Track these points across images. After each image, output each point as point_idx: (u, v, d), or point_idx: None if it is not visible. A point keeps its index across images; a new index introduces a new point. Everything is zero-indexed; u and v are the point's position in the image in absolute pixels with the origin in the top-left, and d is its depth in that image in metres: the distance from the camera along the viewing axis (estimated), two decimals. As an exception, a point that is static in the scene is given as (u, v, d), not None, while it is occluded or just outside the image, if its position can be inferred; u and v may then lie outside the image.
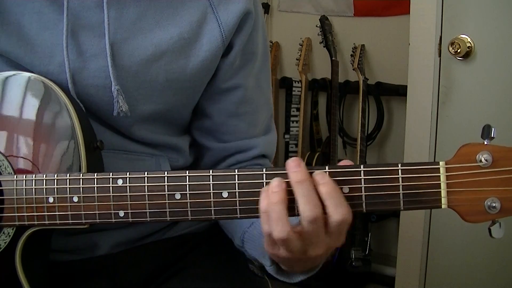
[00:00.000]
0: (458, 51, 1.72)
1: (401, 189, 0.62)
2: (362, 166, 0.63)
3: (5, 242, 0.72)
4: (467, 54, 1.73)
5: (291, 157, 2.81)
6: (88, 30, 0.78)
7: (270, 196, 0.62)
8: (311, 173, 0.63)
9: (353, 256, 2.30)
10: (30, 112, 0.73)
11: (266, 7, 2.69)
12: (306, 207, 0.61)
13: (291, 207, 0.63)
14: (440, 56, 1.80)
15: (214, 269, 0.89)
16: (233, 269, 0.90)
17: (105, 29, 0.77)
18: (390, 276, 2.21)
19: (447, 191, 0.62)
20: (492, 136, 0.62)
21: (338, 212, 0.61)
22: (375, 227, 2.47)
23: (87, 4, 0.78)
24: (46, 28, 0.77)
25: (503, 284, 1.78)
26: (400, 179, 0.62)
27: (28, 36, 0.77)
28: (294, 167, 0.62)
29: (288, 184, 0.63)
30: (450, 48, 1.74)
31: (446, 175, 0.62)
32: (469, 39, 1.72)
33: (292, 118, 2.58)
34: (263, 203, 0.63)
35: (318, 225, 0.62)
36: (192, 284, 0.85)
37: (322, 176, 0.62)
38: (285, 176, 0.63)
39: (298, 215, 0.63)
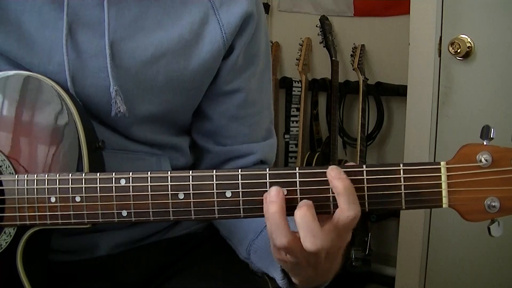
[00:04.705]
0: (458, 51, 1.73)
1: (403, 188, 0.63)
2: (364, 166, 0.63)
3: (6, 242, 0.71)
4: (467, 54, 1.73)
5: (291, 157, 2.78)
6: (88, 29, 0.78)
7: (268, 206, 0.62)
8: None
9: (353, 256, 2.30)
10: (31, 111, 0.72)
11: (266, 7, 2.69)
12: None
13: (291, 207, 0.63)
14: (440, 56, 1.80)
15: (214, 269, 0.88)
16: (233, 269, 0.89)
17: (105, 28, 0.77)
18: (390, 276, 2.21)
19: (448, 190, 0.63)
20: (491, 136, 0.63)
21: (351, 208, 0.61)
22: (375, 227, 2.47)
23: (88, 2, 0.78)
24: (46, 26, 0.76)
25: (503, 285, 1.78)
26: (402, 178, 0.63)
27: (28, 34, 0.76)
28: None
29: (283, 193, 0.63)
30: (450, 48, 1.74)
31: (447, 175, 0.63)
32: (469, 39, 1.73)
33: (292, 118, 2.58)
34: (265, 211, 0.63)
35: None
36: (192, 284, 0.85)
37: (338, 172, 0.63)
38: (288, 176, 0.64)
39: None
